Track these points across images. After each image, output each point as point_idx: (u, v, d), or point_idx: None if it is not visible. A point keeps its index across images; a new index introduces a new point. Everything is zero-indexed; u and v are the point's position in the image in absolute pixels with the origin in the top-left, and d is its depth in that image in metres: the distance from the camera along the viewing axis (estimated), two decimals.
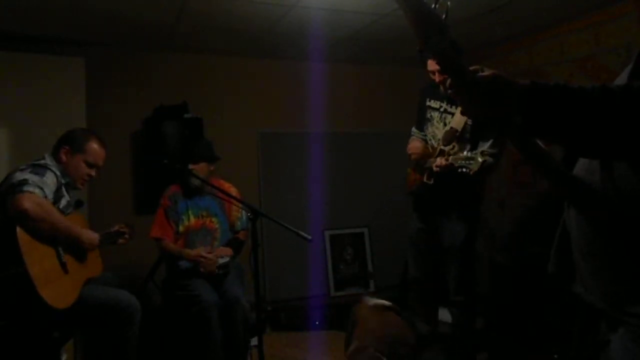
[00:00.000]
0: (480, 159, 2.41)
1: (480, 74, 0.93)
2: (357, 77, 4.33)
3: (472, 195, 2.89)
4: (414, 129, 3.12)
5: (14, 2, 2.83)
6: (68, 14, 3.06)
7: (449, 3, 0.94)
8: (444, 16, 0.93)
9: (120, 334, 2.33)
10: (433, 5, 0.93)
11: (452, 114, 2.81)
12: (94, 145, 2.44)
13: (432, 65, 2.74)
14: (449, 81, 0.96)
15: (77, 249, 2.34)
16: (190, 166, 2.90)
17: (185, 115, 3.81)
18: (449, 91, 0.97)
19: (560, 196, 1.15)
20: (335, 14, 3.21)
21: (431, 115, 2.93)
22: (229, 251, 2.94)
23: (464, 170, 2.44)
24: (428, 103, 2.95)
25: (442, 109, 2.87)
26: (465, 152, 2.54)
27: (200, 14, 3.16)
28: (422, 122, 3.00)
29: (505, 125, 0.96)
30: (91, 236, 2.34)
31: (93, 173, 2.46)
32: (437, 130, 2.88)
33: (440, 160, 2.62)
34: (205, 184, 2.80)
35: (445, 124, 2.85)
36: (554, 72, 3.66)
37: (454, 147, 2.72)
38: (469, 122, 2.72)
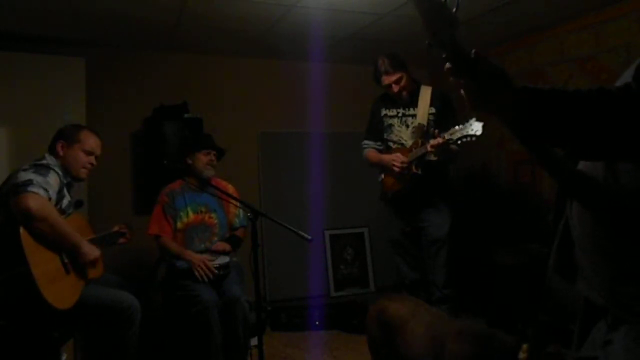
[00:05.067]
0: (477, 123, 2.56)
1: (483, 66, 0.92)
2: (357, 77, 4.33)
3: (448, 186, 3.14)
4: (367, 141, 3.30)
5: (14, 2, 2.82)
6: (68, 14, 3.06)
7: None
8: (454, 9, 0.93)
9: (121, 334, 2.33)
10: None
11: (412, 116, 3.06)
12: (88, 134, 2.46)
13: (387, 79, 3.00)
14: (450, 67, 0.95)
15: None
16: (212, 157, 2.95)
17: (185, 115, 3.81)
18: (450, 79, 0.96)
19: (564, 191, 1.15)
20: (335, 14, 3.22)
21: (390, 123, 3.14)
22: (227, 246, 2.95)
23: (468, 139, 2.61)
24: (384, 113, 3.17)
25: (400, 114, 3.12)
26: (457, 127, 2.67)
27: (200, 14, 3.16)
28: (378, 132, 3.21)
29: (506, 120, 0.96)
30: (90, 250, 2.26)
31: (93, 161, 2.47)
32: (402, 133, 3.10)
33: (434, 141, 2.75)
34: (208, 183, 2.82)
35: (407, 126, 3.09)
36: (554, 72, 3.66)
37: (418, 142, 2.95)
38: (431, 116, 2.99)
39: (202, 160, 2.94)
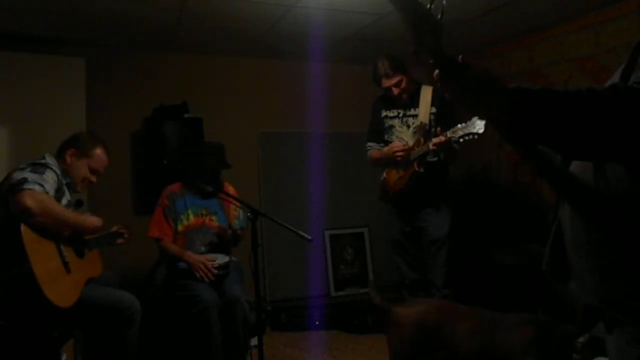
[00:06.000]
0: (479, 121, 2.55)
1: (470, 71, 0.93)
2: (357, 77, 4.33)
3: (447, 187, 3.14)
4: (370, 143, 3.29)
5: (14, 2, 2.83)
6: (68, 14, 3.06)
7: (444, 3, 0.95)
8: (439, 16, 0.94)
9: (121, 334, 2.34)
10: (428, 6, 0.94)
11: (413, 116, 3.06)
12: (100, 152, 2.50)
13: (387, 82, 3.00)
14: (437, 74, 0.96)
15: (78, 249, 2.36)
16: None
17: (185, 115, 3.81)
18: (438, 84, 0.97)
19: (555, 193, 1.15)
20: (335, 14, 3.22)
21: (391, 124, 3.15)
22: (228, 230, 2.96)
23: (470, 137, 2.60)
24: (385, 114, 3.18)
25: (400, 115, 3.12)
26: (459, 125, 2.67)
27: (200, 14, 3.16)
28: (379, 134, 3.22)
29: (495, 122, 0.96)
30: (93, 220, 2.38)
31: (94, 179, 2.51)
32: (403, 134, 3.11)
33: (436, 139, 2.76)
34: (218, 191, 2.83)
35: (408, 126, 3.09)
36: (554, 72, 3.66)
37: (420, 140, 2.96)
38: (432, 116, 2.99)
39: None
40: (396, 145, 3.02)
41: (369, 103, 3.36)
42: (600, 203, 1.00)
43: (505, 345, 1.94)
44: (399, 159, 3.00)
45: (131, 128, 3.93)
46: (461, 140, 2.64)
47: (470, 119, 2.62)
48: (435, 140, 2.75)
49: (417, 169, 2.92)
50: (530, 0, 3.07)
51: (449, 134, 2.68)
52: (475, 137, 2.58)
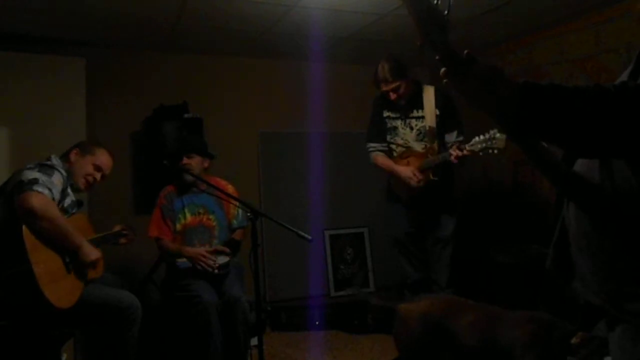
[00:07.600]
0: (499, 135, 2.54)
1: (478, 65, 0.93)
2: (357, 77, 4.33)
3: (454, 189, 3.16)
4: (371, 144, 3.21)
5: (14, 2, 2.83)
6: (68, 14, 3.06)
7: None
8: (446, 12, 0.94)
9: (121, 334, 2.34)
10: (435, 2, 0.94)
11: (416, 117, 3.02)
12: (104, 152, 2.53)
13: (385, 87, 2.93)
14: (444, 71, 0.96)
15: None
16: (185, 160, 2.91)
17: (185, 115, 3.81)
18: (444, 81, 0.97)
19: (560, 192, 1.15)
20: (335, 14, 3.22)
21: (394, 125, 3.11)
22: (226, 249, 2.94)
23: (490, 151, 2.60)
24: (387, 114, 3.13)
25: (403, 116, 3.08)
26: (478, 138, 2.67)
27: (200, 14, 3.16)
28: (381, 133, 3.16)
29: (500, 119, 0.96)
30: (90, 251, 2.24)
31: (98, 177, 2.50)
32: (406, 136, 3.08)
33: (456, 152, 2.74)
34: (199, 180, 2.80)
35: (411, 128, 3.06)
36: (554, 72, 3.66)
37: (434, 148, 2.97)
38: (437, 119, 2.98)
39: (198, 164, 2.93)
40: (413, 177, 2.95)
41: (369, 103, 3.36)
42: (606, 203, 0.99)
43: (506, 341, 1.95)
44: (414, 186, 2.97)
45: (131, 128, 3.93)
46: (481, 153, 2.64)
47: (489, 131, 2.61)
48: (455, 153, 2.74)
49: (432, 177, 2.93)
50: (530, 0, 3.08)
51: (468, 147, 2.69)
52: (495, 151, 2.57)
